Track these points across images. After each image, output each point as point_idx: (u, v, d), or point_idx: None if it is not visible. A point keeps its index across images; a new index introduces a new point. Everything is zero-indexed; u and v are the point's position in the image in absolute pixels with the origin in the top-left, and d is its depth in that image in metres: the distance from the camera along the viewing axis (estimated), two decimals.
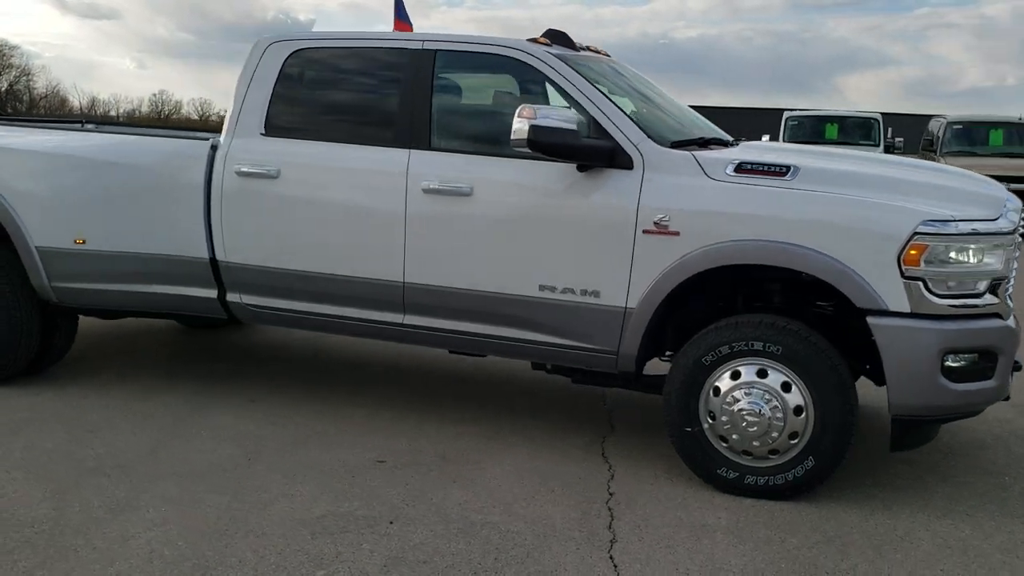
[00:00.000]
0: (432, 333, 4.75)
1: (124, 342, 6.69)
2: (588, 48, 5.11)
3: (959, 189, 4.25)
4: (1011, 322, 4.10)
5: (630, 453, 4.71)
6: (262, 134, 4.95)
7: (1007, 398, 4.27)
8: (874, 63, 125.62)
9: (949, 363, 3.93)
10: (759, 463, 4.14)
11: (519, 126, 4.11)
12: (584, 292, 4.35)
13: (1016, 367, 4.21)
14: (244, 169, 4.90)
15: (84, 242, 5.19)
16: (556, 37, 4.85)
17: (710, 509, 4.05)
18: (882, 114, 19.37)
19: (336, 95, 5.11)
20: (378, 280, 4.73)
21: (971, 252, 3.93)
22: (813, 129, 19.06)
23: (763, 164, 4.21)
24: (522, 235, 4.44)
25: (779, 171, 4.16)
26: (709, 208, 4.14)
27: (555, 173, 4.38)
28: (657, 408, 5.00)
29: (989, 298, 4.01)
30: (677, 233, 4.15)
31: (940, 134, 17.34)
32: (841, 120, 19.35)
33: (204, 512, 3.84)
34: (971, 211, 4.00)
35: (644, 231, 4.20)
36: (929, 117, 19.36)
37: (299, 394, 5.50)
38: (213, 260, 5.06)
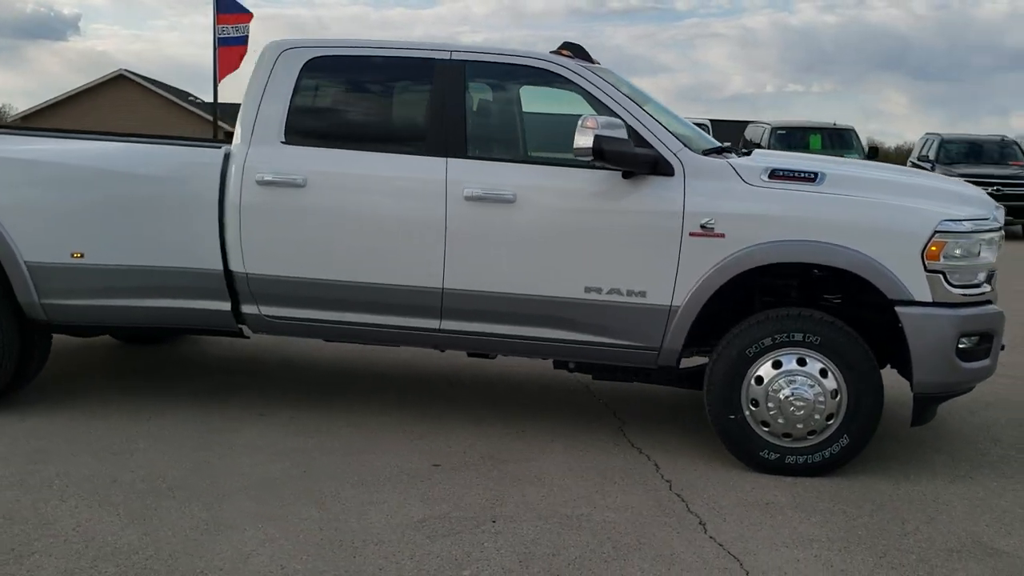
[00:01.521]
0: (469, 337, 4.85)
1: (83, 360, 6.30)
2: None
3: (958, 192, 4.81)
4: (999, 307, 4.69)
5: (655, 443, 4.98)
6: (283, 142, 4.87)
7: None
8: (649, 70, 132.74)
9: (962, 345, 4.47)
10: (798, 444, 4.53)
11: (584, 136, 4.31)
12: (630, 292, 4.59)
13: (1001, 347, 4.81)
14: (267, 178, 4.80)
15: (82, 256, 4.91)
16: (575, 50, 5.06)
17: (762, 489, 4.39)
18: (711, 120, 20.77)
19: (360, 103, 5.11)
20: (415, 287, 4.77)
21: (976, 247, 4.48)
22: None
23: (793, 171, 4.60)
24: (568, 239, 4.63)
25: (808, 177, 4.57)
26: (751, 211, 4.48)
27: (598, 179, 4.60)
28: (652, 398, 5.34)
29: (986, 287, 4.58)
30: (723, 235, 4.47)
31: (764, 139, 18.80)
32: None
33: (303, 525, 3.80)
34: (973, 211, 4.56)
35: (691, 233, 4.50)
36: (735, 123, 20.89)
37: (303, 406, 5.42)
38: (227, 271, 4.93)
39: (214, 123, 23.91)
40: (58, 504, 3.93)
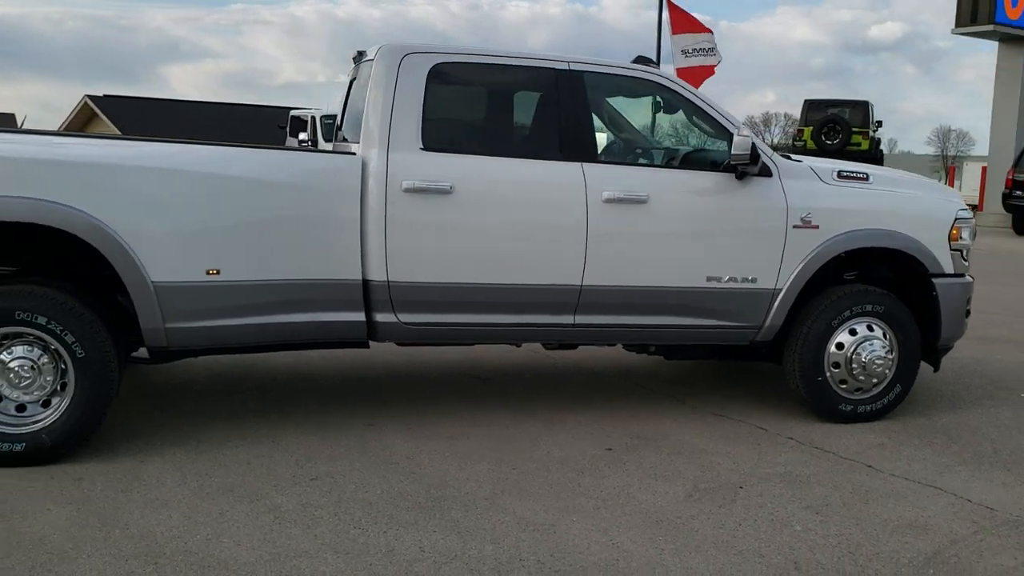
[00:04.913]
0: (598, 330, 5.21)
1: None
2: None
3: (947, 187, 6.09)
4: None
5: (729, 411, 5.71)
6: (421, 149, 4.84)
7: None
8: (194, 55, 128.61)
9: (966, 307, 5.77)
10: (866, 395, 5.53)
11: (744, 143, 4.92)
12: (744, 279, 5.28)
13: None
14: (416, 185, 4.77)
15: (218, 273, 4.50)
16: (648, 62, 5.58)
17: (856, 435, 5.30)
18: None
19: (488, 110, 5.20)
20: (555, 286, 5.03)
21: (970, 230, 5.79)
22: None
23: (852, 171, 5.57)
24: (694, 234, 5.19)
25: (863, 176, 5.57)
26: (834, 206, 5.38)
27: (716, 180, 5.22)
28: (667, 376, 6.08)
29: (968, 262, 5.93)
30: (817, 227, 5.32)
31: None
32: None
33: (602, 512, 4.03)
34: (963, 203, 5.87)
35: (794, 226, 5.29)
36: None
37: (398, 413, 5.39)
38: (364, 281, 4.81)
39: None
40: (361, 533, 3.75)
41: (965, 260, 5.70)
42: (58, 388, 4.40)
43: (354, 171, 4.74)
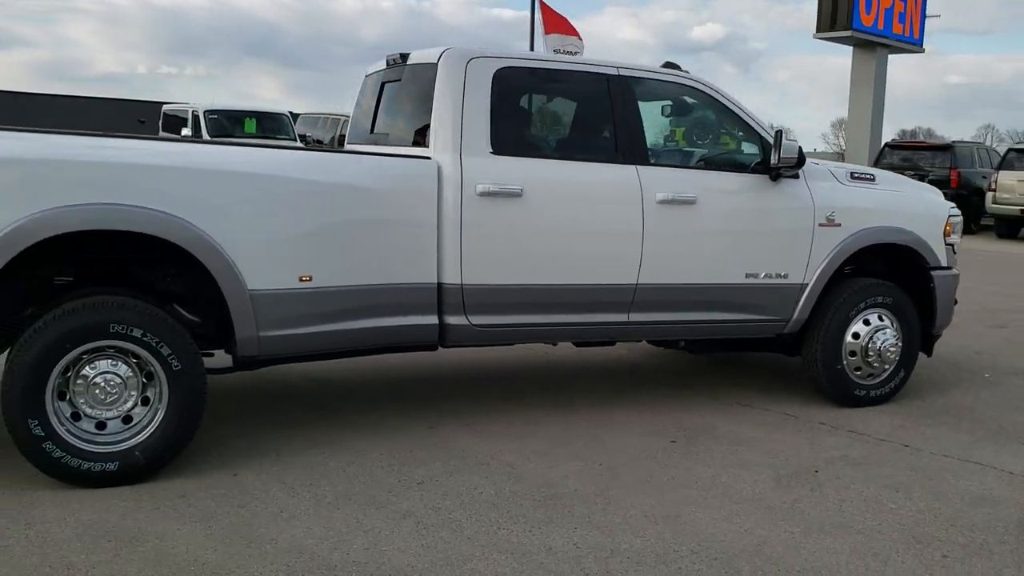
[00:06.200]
0: (648, 326, 5.42)
1: None
2: None
3: (933, 187, 6.60)
4: None
5: (749, 400, 6.04)
6: (491, 153, 4.90)
7: None
8: (5, 42, 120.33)
9: (954, 297, 6.30)
10: (875, 380, 5.96)
11: (792, 147, 5.22)
12: (777, 275, 5.59)
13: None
14: (491, 188, 4.82)
15: (310, 279, 4.43)
16: (676, 67, 5.80)
17: (872, 418, 5.71)
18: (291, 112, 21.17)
19: (549, 114, 5.28)
20: (614, 285, 5.20)
21: (958, 226, 6.32)
22: (231, 123, 20.04)
23: (861, 173, 5.98)
24: (735, 233, 5.46)
25: (870, 177, 5.99)
26: (851, 205, 5.77)
27: (754, 181, 5.51)
28: (664, 365, 6.35)
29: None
30: (840, 225, 5.70)
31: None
32: (258, 115, 20.57)
33: (718, 501, 4.24)
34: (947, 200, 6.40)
35: (820, 224, 5.64)
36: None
37: (452, 415, 5.43)
38: (439, 284, 4.84)
39: None
40: (510, 533, 3.81)
41: (955, 254, 6.22)
42: (138, 403, 4.23)
43: (432, 175, 4.75)
